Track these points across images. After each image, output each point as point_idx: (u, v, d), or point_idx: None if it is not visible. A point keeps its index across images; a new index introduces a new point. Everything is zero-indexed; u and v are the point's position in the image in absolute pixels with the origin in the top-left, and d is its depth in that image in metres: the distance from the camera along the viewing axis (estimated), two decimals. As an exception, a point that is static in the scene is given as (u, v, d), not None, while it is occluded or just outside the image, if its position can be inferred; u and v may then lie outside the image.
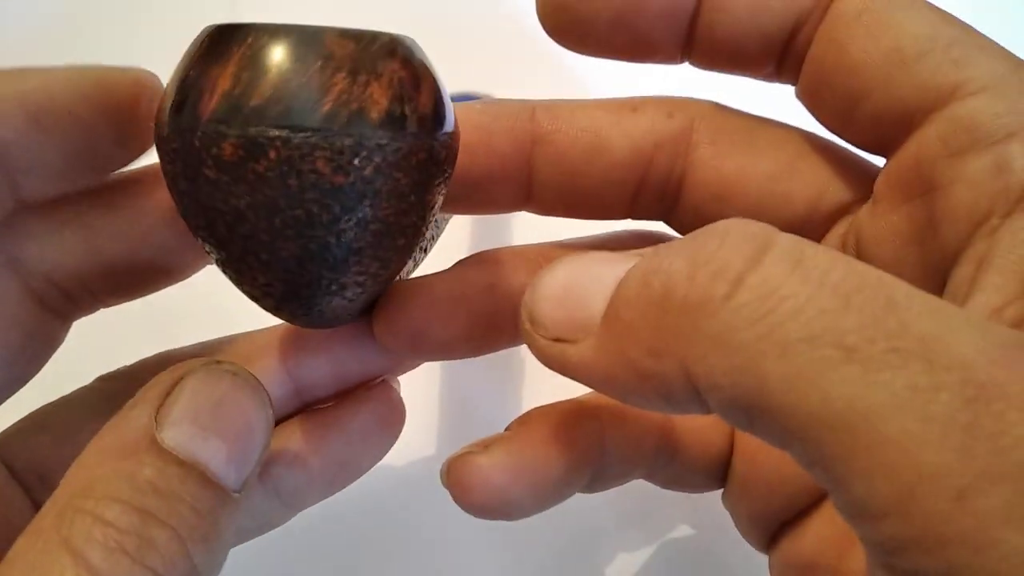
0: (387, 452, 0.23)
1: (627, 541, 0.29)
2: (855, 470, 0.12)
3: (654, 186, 0.22)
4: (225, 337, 0.23)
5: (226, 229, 0.16)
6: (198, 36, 0.17)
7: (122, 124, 0.19)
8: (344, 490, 0.23)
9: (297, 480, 0.22)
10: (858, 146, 0.20)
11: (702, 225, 0.21)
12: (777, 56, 0.20)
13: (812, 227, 0.21)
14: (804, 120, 0.21)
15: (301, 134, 0.15)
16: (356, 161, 0.16)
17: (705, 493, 0.24)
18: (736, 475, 0.23)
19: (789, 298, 0.12)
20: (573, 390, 0.21)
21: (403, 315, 0.20)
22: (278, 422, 0.22)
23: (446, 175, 0.18)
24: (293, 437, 0.22)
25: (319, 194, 0.16)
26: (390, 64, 0.16)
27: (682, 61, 0.21)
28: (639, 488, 0.24)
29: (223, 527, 0.16)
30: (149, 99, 0.19)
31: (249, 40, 0.16)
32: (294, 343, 0.22)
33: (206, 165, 0.16)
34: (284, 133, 0.15)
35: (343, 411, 0.22)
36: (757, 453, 0.22)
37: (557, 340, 0.16)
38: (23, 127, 0.17)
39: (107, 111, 0.18)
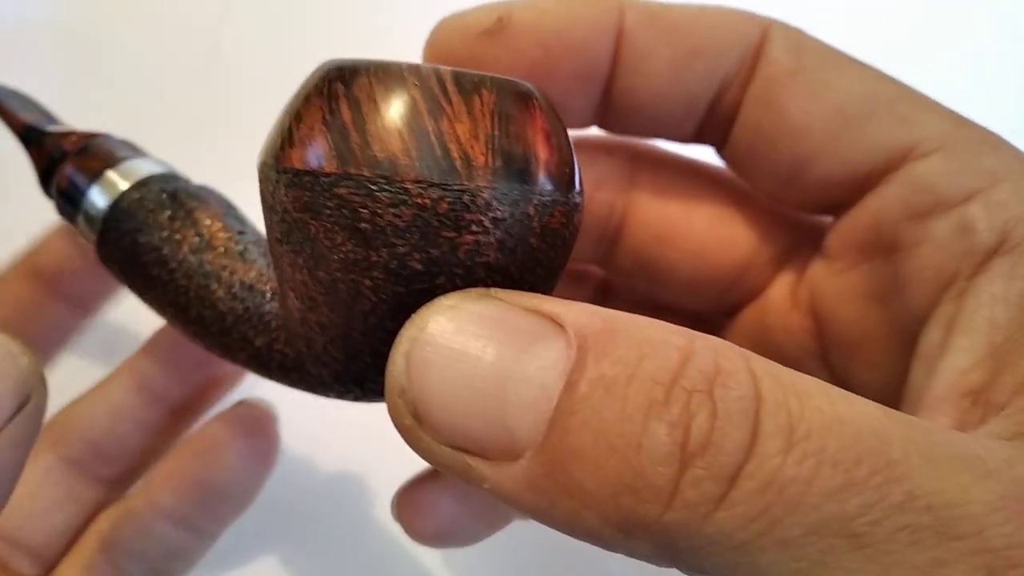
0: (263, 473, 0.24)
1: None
2: None
3: (593, 228, 0.21)
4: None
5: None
6: (462, 83, 0.15)
7: None
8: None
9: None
10: (797, 207, 0.19)
11: (643, 270, 0.21)
12: (699, 119, 0.19)
13: (755, 271, 0.20)
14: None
15: (577, 198, 0.16)
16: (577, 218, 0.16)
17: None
18: None
19: (789, 485, 0.11)
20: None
21: None
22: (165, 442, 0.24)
23: None
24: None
25: (567, 251, 0.16)
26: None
27: (591, 125, 0.20)
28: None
29: None
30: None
31: (540, 102, 0.15)
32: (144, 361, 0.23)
33: (534, 233, 0.15)
34: (579, 199, 0.16)
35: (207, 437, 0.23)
36: None
37: (460, 449, 0.13)
38: None
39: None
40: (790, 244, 0.20)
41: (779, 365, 0.12)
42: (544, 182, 0.15)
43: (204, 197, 0.20)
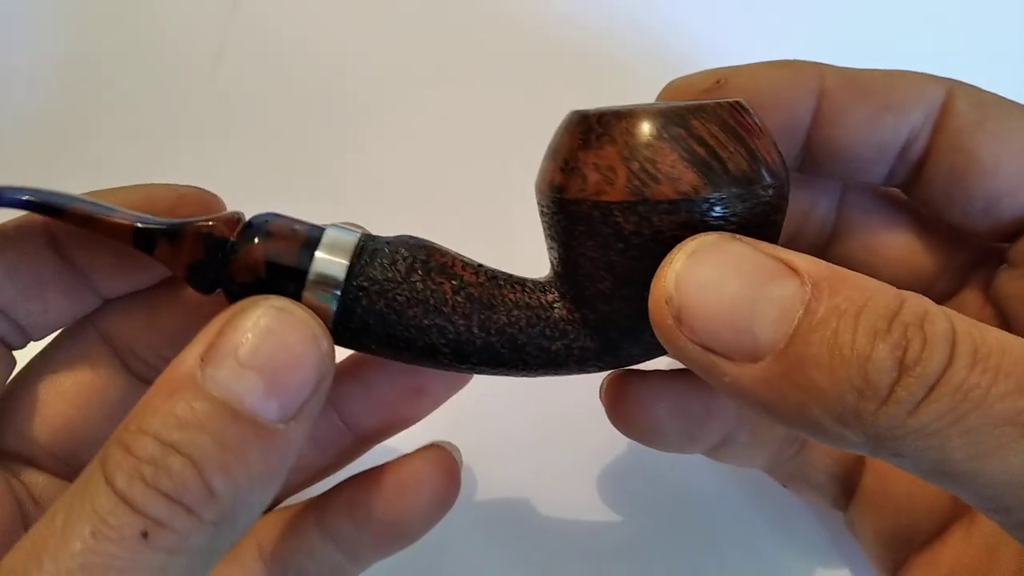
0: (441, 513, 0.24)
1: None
2: None
3: (809, 237, 0.24)
4: None
5: None
6: (740, 109, 0.19)
7: None
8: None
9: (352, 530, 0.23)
10: (982, 236, 0.22)
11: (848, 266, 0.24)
12: (890, 165, 0.22)
13: (949, 276, 0.23)
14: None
15: None
16: None
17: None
18: (865, 491, 0.25)
19: (973, 390, 0.15)
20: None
21: None
22: (338, 462, 0.25)
23: None
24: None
25: None
26: None
27: (793, 171, 0.23)
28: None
29: (253, 458, 0.17)
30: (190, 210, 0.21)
31: None
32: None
33: (782, 211, 0.19)
34: None
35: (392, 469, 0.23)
36: (890, 470, 0.24)
37: (708, 349, 0.16)
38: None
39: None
40: (978, 256, 0.23)
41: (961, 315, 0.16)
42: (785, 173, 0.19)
43: (425, 244, 0.21)
